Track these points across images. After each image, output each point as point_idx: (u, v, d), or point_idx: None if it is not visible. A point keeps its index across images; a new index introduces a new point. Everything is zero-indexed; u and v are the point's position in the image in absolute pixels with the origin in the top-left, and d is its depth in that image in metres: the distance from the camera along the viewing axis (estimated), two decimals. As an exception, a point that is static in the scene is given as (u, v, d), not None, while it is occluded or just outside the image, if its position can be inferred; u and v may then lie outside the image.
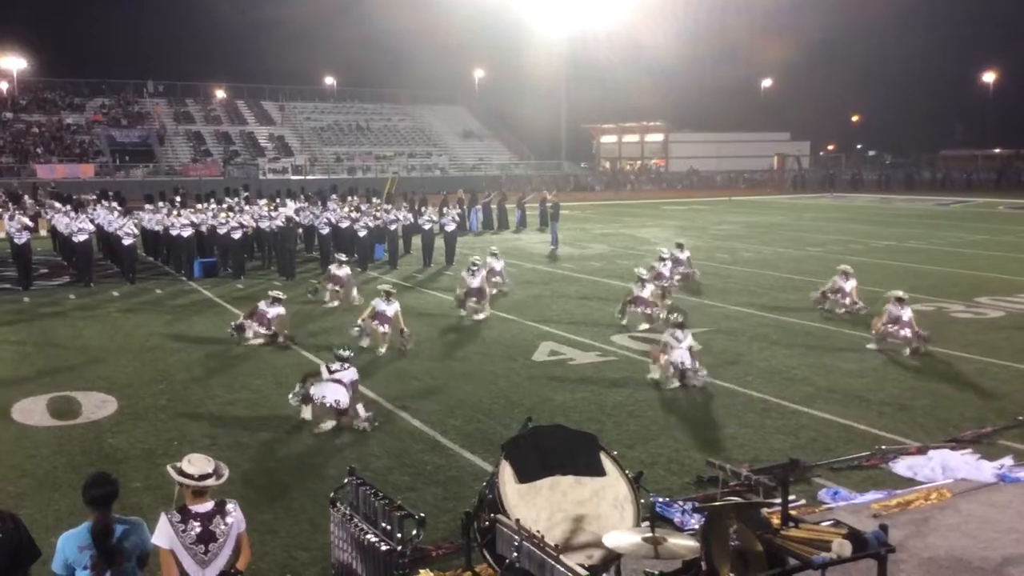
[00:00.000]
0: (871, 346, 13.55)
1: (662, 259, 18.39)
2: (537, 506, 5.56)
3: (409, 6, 71.93)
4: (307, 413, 10.11)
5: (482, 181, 49.57)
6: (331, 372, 10.05)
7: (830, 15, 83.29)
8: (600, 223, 37.17)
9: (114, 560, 4.66)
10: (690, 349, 11.52)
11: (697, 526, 6.84)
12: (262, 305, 14.47)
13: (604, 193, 61.43)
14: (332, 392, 9.85)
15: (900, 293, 13.69)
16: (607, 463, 5.93)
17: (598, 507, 5.64)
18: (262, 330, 14.20)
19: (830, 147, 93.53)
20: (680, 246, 20.56)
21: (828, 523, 6.01)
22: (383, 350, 13.46)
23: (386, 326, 13.56)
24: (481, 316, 15.99)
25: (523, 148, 72.10)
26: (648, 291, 15.47)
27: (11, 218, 22.08)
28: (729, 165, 72.33)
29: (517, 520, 5.24)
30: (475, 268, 16.49)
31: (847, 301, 15.88)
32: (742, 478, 7.87)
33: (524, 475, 5.69)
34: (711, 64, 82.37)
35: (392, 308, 13.65)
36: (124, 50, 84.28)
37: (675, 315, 12.11)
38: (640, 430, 9.89)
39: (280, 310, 14.44)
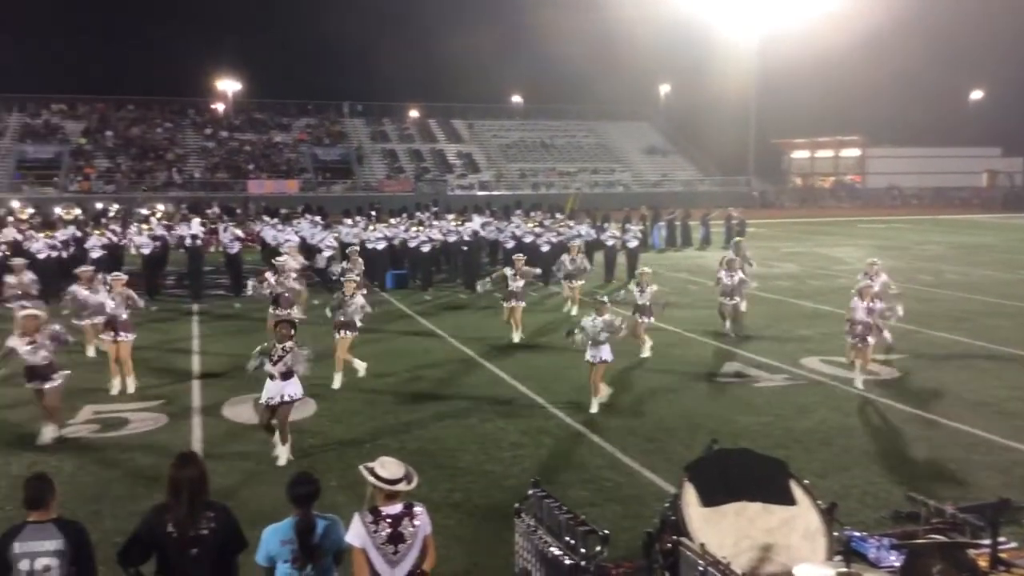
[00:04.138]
0: (859, 384, 12.21)
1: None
2: (722, 531, 5.40)
3: (595, 23, 72.33)
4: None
5: (665, 197, 49.05)
6: (287, 379, 9.45)
7: (1051, 19, 76.59)
8: (789, 241, 35.81)
9: (314, 555, 4.93)
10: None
11: (895, 563, 6.45)
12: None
13: (794, 210, 59.23)
14: (292, 388, 9.51)
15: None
16: (798, 492, 5.69)
17: (788, 537, 5.42)
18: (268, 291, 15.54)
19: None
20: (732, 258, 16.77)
21: (1045, 571, 5.52)
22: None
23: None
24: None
25: (708, 164, 70.75)
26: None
27: (225, 230, 23.98)
28: (932, 182, 67.98)
29: (702, 545, 5.12)
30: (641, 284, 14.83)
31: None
32: (946, 516, 7.33)
33: (708, 499, 5.55)
34: (914, 73, 77.55)
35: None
36: (327, 73, 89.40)
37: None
38: (832, 459, 9.44)
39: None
